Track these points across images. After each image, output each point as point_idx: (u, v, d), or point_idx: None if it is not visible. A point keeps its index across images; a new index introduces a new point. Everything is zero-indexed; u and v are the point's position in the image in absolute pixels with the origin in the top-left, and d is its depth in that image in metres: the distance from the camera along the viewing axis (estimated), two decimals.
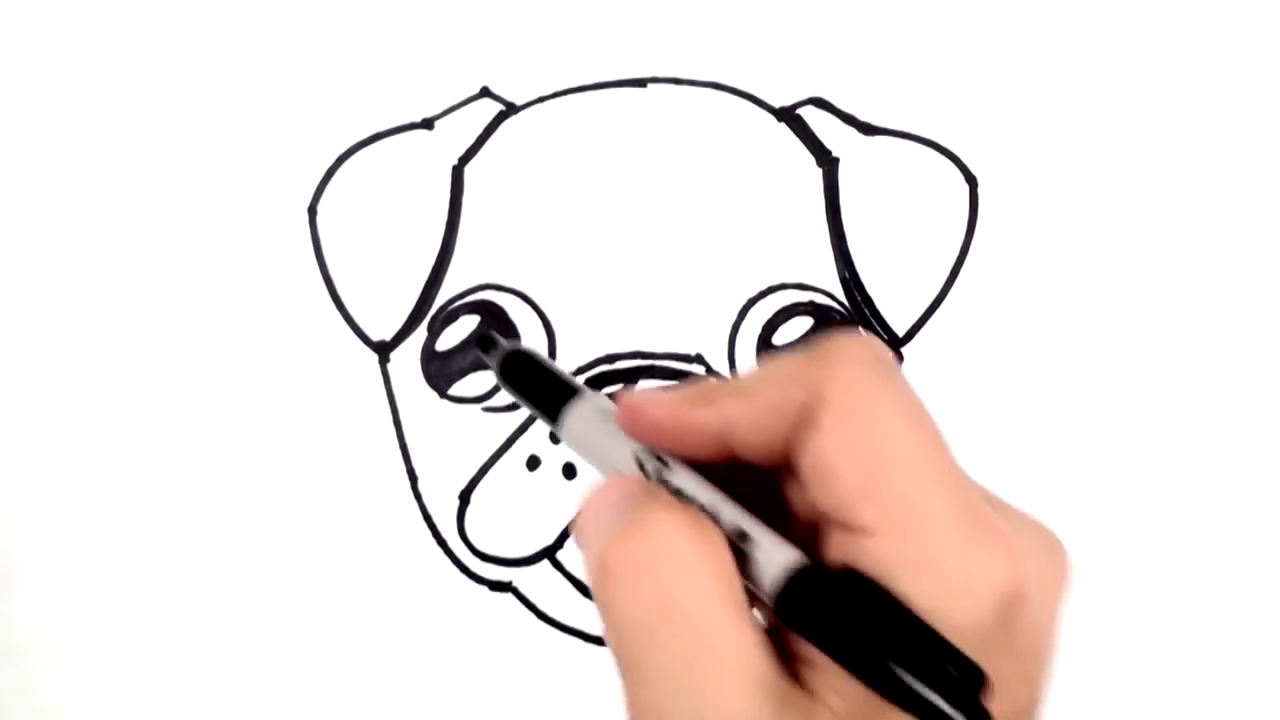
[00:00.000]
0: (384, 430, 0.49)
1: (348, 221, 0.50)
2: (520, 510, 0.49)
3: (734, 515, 0.27)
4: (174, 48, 0.51)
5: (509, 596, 0.49)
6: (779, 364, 0.28)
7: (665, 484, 0.28)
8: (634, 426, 0.29)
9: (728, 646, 0.25)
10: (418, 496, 0.49)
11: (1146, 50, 0.51)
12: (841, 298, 0.49)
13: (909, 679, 0.24)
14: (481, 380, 0.49)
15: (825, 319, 0.49)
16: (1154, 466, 0.49)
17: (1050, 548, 0.28)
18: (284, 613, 0.49)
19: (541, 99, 0.51)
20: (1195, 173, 0.51)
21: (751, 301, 0.49)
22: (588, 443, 0.31)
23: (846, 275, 0.50)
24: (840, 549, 0.26)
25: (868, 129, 0.51)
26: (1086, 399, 0.49)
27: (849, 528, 0.26)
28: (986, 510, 0.26)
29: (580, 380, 0.33)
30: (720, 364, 0.49)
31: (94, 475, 0.49)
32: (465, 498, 0.49)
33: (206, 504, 0.49)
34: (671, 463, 0.29)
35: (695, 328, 0.49)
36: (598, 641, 0.49)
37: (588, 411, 0.31)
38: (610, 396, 0.31)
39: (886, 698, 0.24)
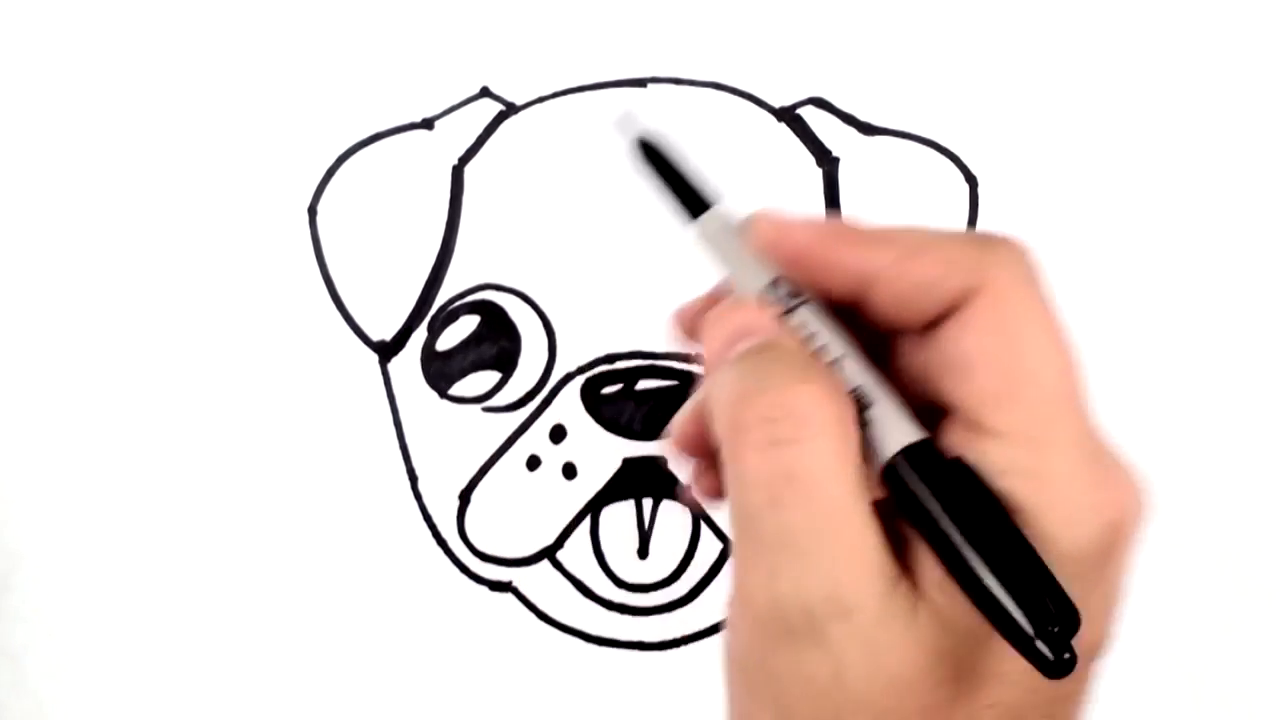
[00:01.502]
0: (384, 430, 0.49)
1: (348, 222, 0.50)
2: (520, 510, 0.49)
3: (858, 373, 0.27)
4: (174, 48, 0.51)
5: (509, 596, 0.49)
6: (941, 238, 0.27)
7: (789, 322, 0.28)
8: (772, 243, 0.29)
9: (847, 525, 0.26)
10: (418, 496, 0.49)
11: (1146, 50, 0.51)
12: None
13: (1004, 597, 0.24)
14: (482, 380, 0.49)
15: None
16: (1154, 465, 0.49)
17: (1142, 488, 0.28)
18: (284, 612, 0.49)
19: (541, 99, 0.51)
20: (1195, 172, 0.51)
21: None
22: (722, 253, 0.30)
23: None
24: (958, 442, 0.26)
25: (868, 129, 0.51)
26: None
27: (974, 426, 0.26)
28: (1108, 444, 0.26)
29: (710, 191, 0.32)
30: None
31: (93, 475, 0.49)
32: (465, 498, 0.49)
33: (207, 504, 0.49)
34: (808, 299, 0.28)
35: None
36: (598, 642, 0.49)
37: (727, 222, 0.30)
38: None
39: (975, 604, 0.25)
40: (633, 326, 0.49)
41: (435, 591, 0.49)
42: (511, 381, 0.49)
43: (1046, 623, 0.24)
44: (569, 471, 0.48)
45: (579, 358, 0.49)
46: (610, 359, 0.49)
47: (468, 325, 0.49)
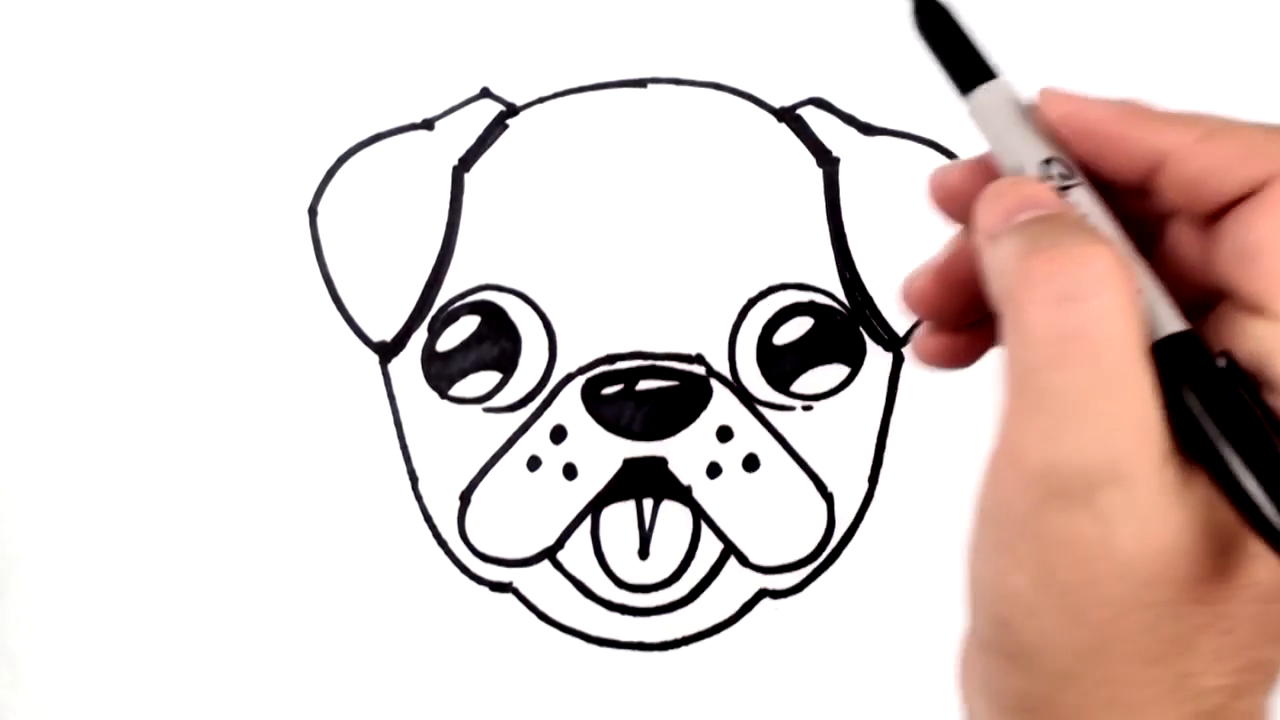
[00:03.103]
0: (384, 431, 0.49)
1: (348, 222, 0.50)
2: (521, 511, 0.49)
3: (1130, 258, 0.27)
4: (174, 48, 0.51)
5: (510, 597, 0.49)
6: (1242, 125, 0.28)
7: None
8: (1063, 118, 0.29)
9: (1130, 389, 0.26)
10: (418, 497, 0.49)
11: (1146, 50, 0.51)
12: (842, 297, 0.49)
13: (1255, 491, 0.24)
14: (482, 381, 0.49)
15: (825, 319, 0.49)
16: None
17: None
18: (285, 614, 0.49)
19: (542, 99, 0.51)
20: None
21: (752, 301, 0.49)
22: (997, 129, 0.30)
23: (847, 275, 0.50)
24: (1233, 329, 0.27)
25: (868, 129, 0.51)
26: None
27: (1255, 310, 0.26)
28: None
29: (990, 64, 0.32)
30: (720, 364, 0.49)
31: (93, 476, 0.49)
32: (466, 498, 0.49)
33: (207, 505, 0.49)
34: (1082, 181, 0.28)
35: (696, 328, 0.49)
36: (599, 642, 0.49)
37: (1004, 96, 0.30)
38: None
39: (1225, 494, 0.25)
40: (633, 326, 0.49)
41: (436, 592, 0.49)
42: (512, 382, 0.49)
43: None
44: (569, 472, 0.48)
45: (579, 358, 0.49)
46: (610, 359, 0.49)
47: (468, 326, 0.49)
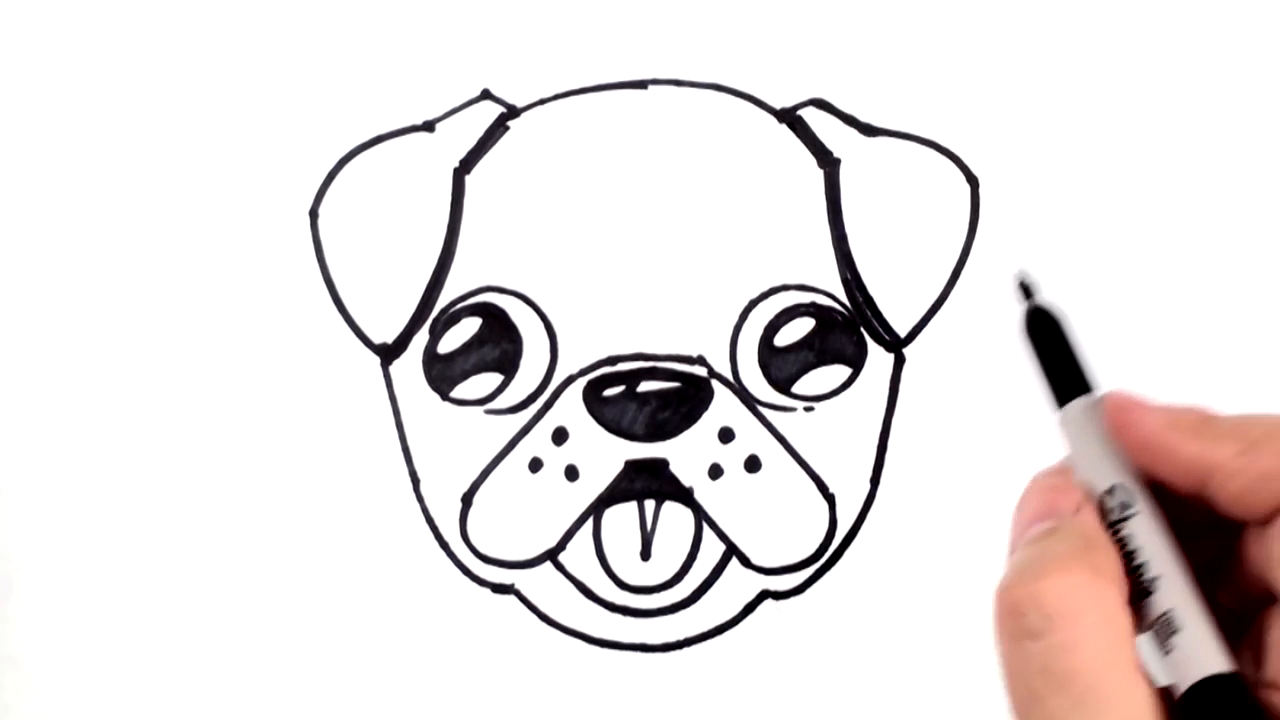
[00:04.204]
0: (386, 433, 0.49)
1: (349, 224, 0.50)
2: (523, 512, 0.49)
3: (1174, 596, 0.27)
4: (175, 50, 0.51)
5: (511, 599, 0.49)
6: None
7: (1117, 533, 0.28)
8: (1119, 427, 0.29)
9: (1119, 708, 0.25)
10: (420, 499, 0.49)
11: (1147, 50, 0.51)
12: (843, 298, 0.49)
13: None
14: (483, 382, 0.49)
15: (827, 320, 0.49)
16: None
17: None
18: (286, 615, 0.49)
19: (542, 101, 0.51)
20: (1195, 172, 0.51)
21: (753, 303, 0.49)
22: (1079, 444, 0.30)
23: (848, 276, 0.50)
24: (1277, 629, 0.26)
25: (869, 130, 0.51)
26: None
27: None
28: None
29: (1088, 376, 0.32)
30: (722, 365, 0.49)
31: (95, 478, 0.49)
32: (468, 500, 0.49)
33: (208, 507, 0.49)
34: (1143, 508, 0.28)
35: (697, 329, 0.49)
36: (600, 644, 0.49)
37: (1093, 413, 0.31)
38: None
39: None
40: (634, 328, 0.49)
41: (438, 594, 0.49)
42: (513, 384, 0.49)
43: None
44: (571, 474, 0.48)
45: (581, 359, 0.49)
46: (612, 361, 0.49)
47: (469, 328, 0.49)
